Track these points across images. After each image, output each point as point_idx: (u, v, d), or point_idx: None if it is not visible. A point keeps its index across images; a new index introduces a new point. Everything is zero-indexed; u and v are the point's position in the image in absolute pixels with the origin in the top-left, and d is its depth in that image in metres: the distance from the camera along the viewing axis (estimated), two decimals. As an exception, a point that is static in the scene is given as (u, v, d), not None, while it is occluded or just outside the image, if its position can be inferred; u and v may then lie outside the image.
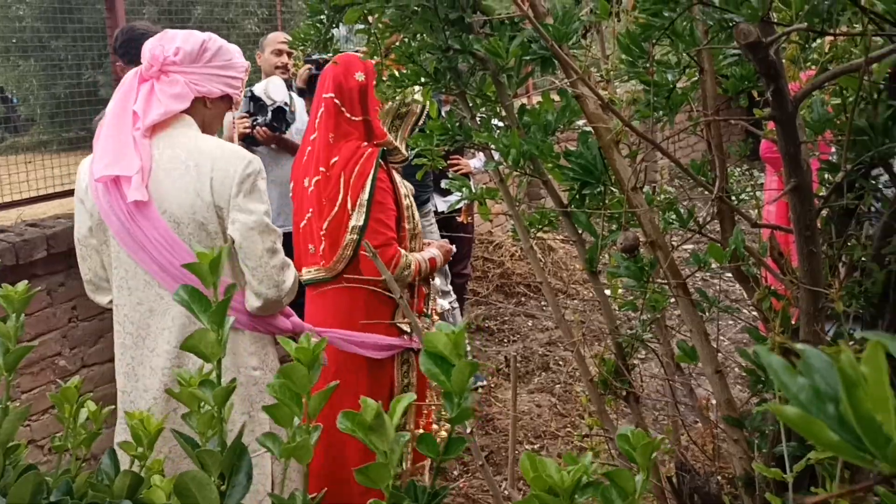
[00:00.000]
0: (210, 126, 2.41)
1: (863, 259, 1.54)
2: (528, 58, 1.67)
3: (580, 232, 1.78)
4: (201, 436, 1.05)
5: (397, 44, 1.74)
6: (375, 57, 2.03)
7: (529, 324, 6.29)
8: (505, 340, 6.08)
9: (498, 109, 1.78)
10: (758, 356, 1.71)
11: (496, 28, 1.69)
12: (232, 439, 1.01)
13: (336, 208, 2.72)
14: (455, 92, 1.76)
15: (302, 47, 2.15)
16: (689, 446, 1.87)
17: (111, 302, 2.39)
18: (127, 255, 2.25)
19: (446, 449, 1.02)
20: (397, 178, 2.84)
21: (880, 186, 1.71)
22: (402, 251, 2.78)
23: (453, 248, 3.06)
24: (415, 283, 2.86)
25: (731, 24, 1.28)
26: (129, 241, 2.21)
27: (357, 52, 2.98)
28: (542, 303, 6.43)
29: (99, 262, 2.37)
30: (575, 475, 0.95)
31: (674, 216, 1.69)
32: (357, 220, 2.70)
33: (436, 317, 2.97)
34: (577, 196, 1.72)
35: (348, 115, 2.76)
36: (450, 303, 4.78)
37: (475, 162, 5.10)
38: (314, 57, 4.05)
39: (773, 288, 1.59)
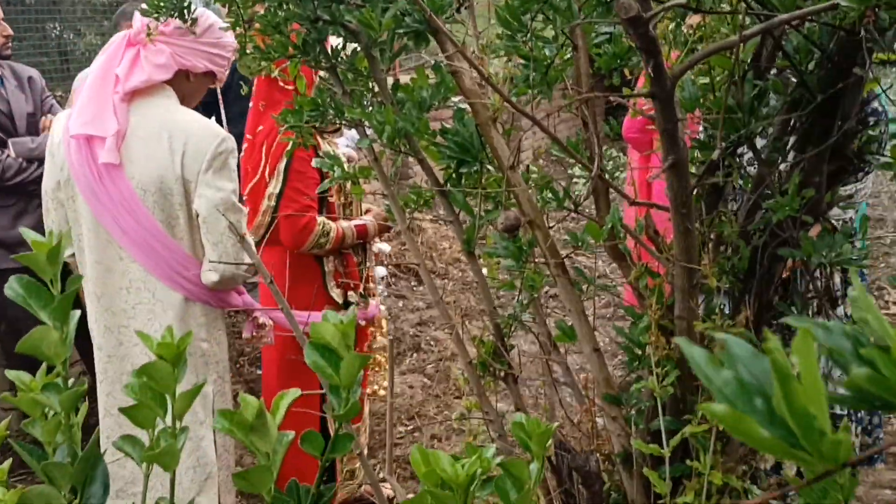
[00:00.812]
0: (189, 99, 2.45)
1: (730, 236, 1.57)
2: (401, 31, 1.60)
3: (457, 212, 1.74)
4: (47, 445, 0.93)
5: (261, 13, 1.63)
6: (237, 28, 1.91)
7: (400, 304, 6.26)
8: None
9: (371, 85, 1.71)
10: (683, 348, 1.73)
11: (367, -1, 1.61)
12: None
13: (257, 176, 2.78)
14: (325, 66, 1.67)
15: (156, 16, 2.00)
16: (566, 425, 1.88)
17: (73, 256, 2.45)
18: (91, 214, 2.31)
19: (332, 446, 0.95)
20: (330, 148, 2.83)
21: (744, 164, 1.76)
22: (322, 219, 2.80)
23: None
24: (342, 251, 2.90)
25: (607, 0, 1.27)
26: (95, 200, 2.28)
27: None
28: (413, 283, 6.42)
29: (63, 216, 2.40)
30: (471, 469, 0.91)
31: (550, 195, 1.67)
32: (274, 187, 2.74)
33: (372, 285, 2.94)
34: (454, 175, 1.68)
35: (281, 84, 2.73)
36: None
37: (342, 141, 4.99)
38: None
39: (647, 265, 1.61)
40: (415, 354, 5.24)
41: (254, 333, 2.60)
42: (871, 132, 1.60)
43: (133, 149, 2.26)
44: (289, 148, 2.59)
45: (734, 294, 1.64)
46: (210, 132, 2.31)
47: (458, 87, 1.57)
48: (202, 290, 2.37)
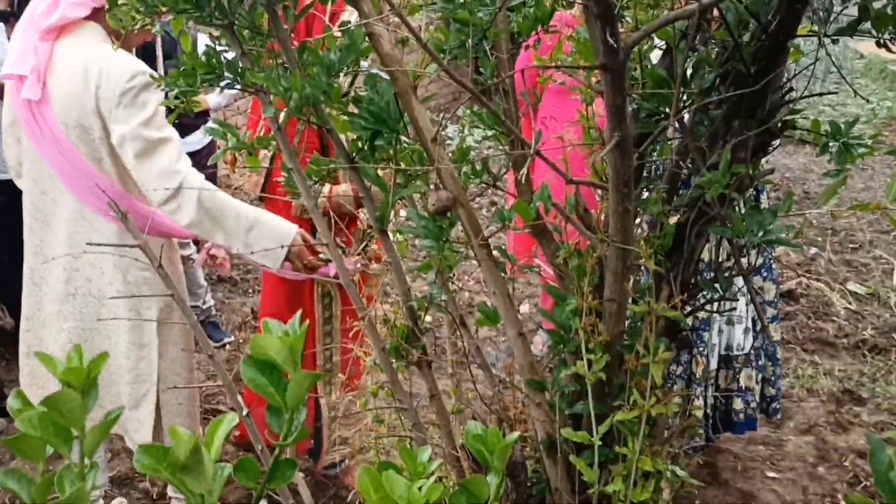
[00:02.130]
0: (124, 41, 2.35)
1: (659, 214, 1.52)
2: (308, -14, 1.43)
3: (368, 186, 1.60)
4: None
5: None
6: (107, -24, 1.69)
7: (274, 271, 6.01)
8: (250, 291, 5.77)
9: (271, 44, 1.54)
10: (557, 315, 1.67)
11: (269, -52, 1.43)
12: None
13: (256, 135, 2.67)
14: (221, 23, 1.48)
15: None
16: (480, 412, 1.80)
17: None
18: (31, 148, 2.42)
19: (270, 475, 0.82)
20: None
21: (668, 137, 1.70)
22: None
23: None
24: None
25: (553, -41, 1.15)
26: (32, 135, 2.39)
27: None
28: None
29: (21, 151, 2.53)
30: (430, 496, 0.80)
31: (469, 169, 1.56)
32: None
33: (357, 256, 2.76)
34: (366, 147, 1.54)
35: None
36: (189, 255, 4.42)
37: (214, 97, 4.67)
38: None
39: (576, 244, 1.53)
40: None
41: (207, 262, 2.76)
42: (794, 106, 1.58)
43: (56, 85, 2.32)
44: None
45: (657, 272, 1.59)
46: (123, 67, 2.28)
47: (373, 50, 1.43)
48: (135, 218, 2.29)
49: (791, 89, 1.58)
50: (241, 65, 1.53)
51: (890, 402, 3.99)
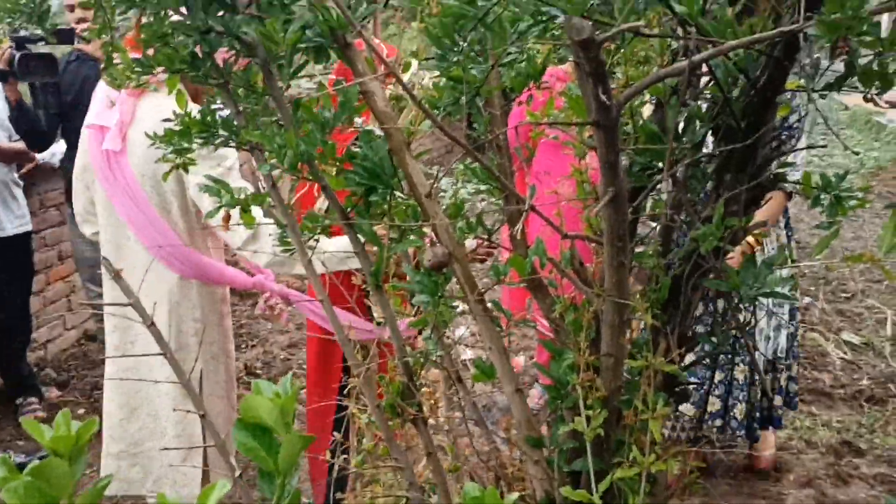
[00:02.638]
0: (198, 96, 2.59)
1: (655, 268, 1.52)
2: (302, 45, 1.45)
3: (363, 242, 1.60)
4: None
5: (143, 21, 1.43)
6: (104, 35, 1.70)
7: (269, 326, 5.99)
8: (243, 346, 5.73)
9: (267, 102, 1.55)
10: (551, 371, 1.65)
11: (265, 8, 1.45)
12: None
13: (305, 188, 2.80)
14: (216, 82, 1.49)
15: (10, 20, 1.75)
16: (477, 468, 1.77)
17: (96, 234, 2.80)
18: (104, 196, 2.64)
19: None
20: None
21: (660, 189, 1.71)
22: None
23: None
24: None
25: (545, 18, 1.17)
26: (106, 184, 2.59)
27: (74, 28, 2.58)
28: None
29: (88, 198, 2.78)
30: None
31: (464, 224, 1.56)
32: (321, 204, 2.71)
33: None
34: (361, 202, 1.54)
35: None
36: None
37: (46, 155, 4.60)
38: (21, 34, 3.46)
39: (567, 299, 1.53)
40: (287, 380, 5.00)
41: (265, 311, 2.84)
42: (785, 160, 1.59)
43: (137, 138, 2.48)
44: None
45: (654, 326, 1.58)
46: None
47: (367, 108, 1.44)
48: (196, 269, 2.64)
49: (781, 143, 1.59)
50: (236, 122, 1.54)
51: (889, 453, 3.96)
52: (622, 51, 1.42)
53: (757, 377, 3.37)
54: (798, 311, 3.53)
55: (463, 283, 1.46)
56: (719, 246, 1.45)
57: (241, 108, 1.53)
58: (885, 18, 1.10)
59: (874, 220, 8.20)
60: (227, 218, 2.65)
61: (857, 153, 10.16)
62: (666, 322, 1.57)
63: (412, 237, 1.63)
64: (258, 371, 5.30)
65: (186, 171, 1.74)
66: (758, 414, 3.49)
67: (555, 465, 1.54)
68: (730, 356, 3.26)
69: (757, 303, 3.01)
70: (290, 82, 1.55)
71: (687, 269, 1.54)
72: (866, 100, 1.29)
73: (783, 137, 3.14)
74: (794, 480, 3.69)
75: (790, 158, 3.08)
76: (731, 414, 3.41)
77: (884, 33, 1.08)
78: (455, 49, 1.12)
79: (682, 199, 1.55)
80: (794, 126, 3.13)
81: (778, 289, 1.43)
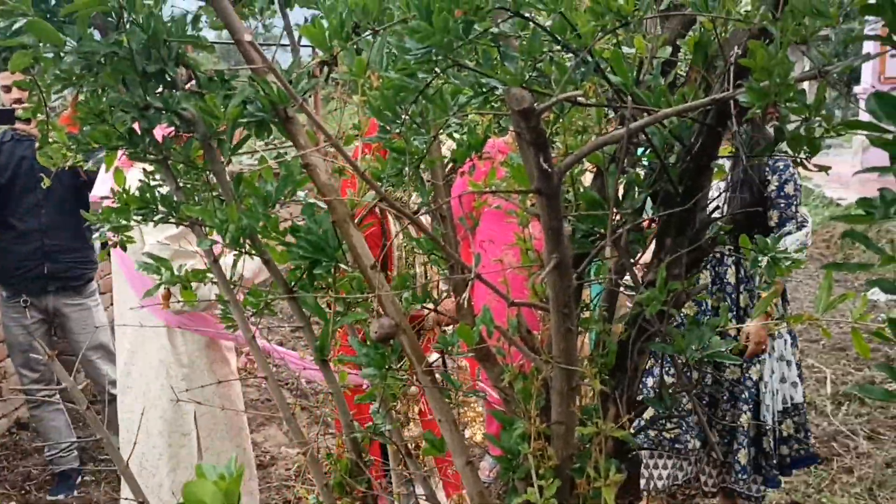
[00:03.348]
0: None
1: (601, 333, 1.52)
2: (243, 120, 1.44)
3: (308, 315, 1.57)
4: None
5: (81, 99, 1.42)
6: (39, 115, 1.68)
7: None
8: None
9: (207, 177, 1.53)
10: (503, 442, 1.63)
11: (204, 84, 1.45)
12: None
13: None
14: (154, 158, 1.48)
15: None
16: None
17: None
18: (116, 260, 2.92)
19: None
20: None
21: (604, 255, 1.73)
22: None
23: None
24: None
25: (485, 90, 1.19)
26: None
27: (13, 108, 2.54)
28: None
29: None
30: None
31: (409, 295, 1.55)
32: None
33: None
34: (305, 276, 1.52)
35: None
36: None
37: None
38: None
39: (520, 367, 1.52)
40: (230, 462, 4.84)
41: (246, 365, 3.12)
42: (721, 224, 1.63)
43: None
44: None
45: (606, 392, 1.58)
46: None
47: (310, 181, 1.43)
48: (178, 320, 2.82)
49: (717, 207, 1.64)
50: (175, 198, 1.51)
51: (837, 512, 3.98)
52: (561, 120, 1.45)
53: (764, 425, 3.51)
54: (799, 365, 3.65)
55: (410, 354, 1.45)
56: (663, 309, 1.47)
57: (180, 184, 1.51)
58: (808, 86, 1.15)
59: (808, 281, 8.44)
60: (167, 296, 2.61)
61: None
62: (614, 387, 1.57)
63: (358, 310, 1.62)
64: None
65: (125, 249, 1.71)
66: (774, 461, 3.57)
67: (510, 539, 1.50)
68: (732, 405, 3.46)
69: (761, 358, 3.13)
70: (232, 157, 1.54)
71: (633, 334, 1.55)
72: (795, 164, 1.34)
73: (782, 206, 3.27)
74: (747, 544, 3.68)
75: (791, 227, 3.24)
76: (736, 458, 3.51)
77: (808, 100, 1.13)
78: (397, 121, 1.13)
79: (625, 264, 1.57)
80: (792, 195, 3.27)
81: (721, 350, 1.45)
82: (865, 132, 0.68)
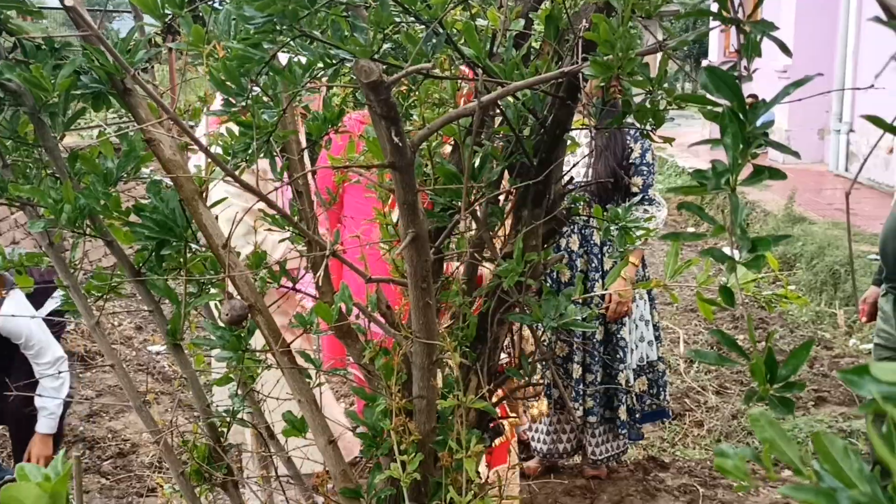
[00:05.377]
0: None
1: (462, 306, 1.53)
2: (77, 92, 1.35)
3: (158, 299, 1.50)
4: None
5: None
6: None
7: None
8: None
9: (39, 154, 1.42)
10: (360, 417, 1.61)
11: (31, 54, 1.34)
12: None
13: None
14: (-22, 133, 1.36)
15: None
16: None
17: None
18: None
19: None
20: None
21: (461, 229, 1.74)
22: None
23: None
24: None
25: (335, 61, 1.16)
26: None
27: None
28: (79, 369, 5.70)
29: None
30: None
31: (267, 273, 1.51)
32: None
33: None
34: (153, 257, 1.44)
35: None
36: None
37: None
38: None
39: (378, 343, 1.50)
40: (88, 452, 4.62)
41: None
42: (575, 195, 1.66)
43: None
44: None
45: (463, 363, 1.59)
46: None
47: (155, 157, 1.36)
48: None
49: (571, 179, 1.67)
50: (2, 177, 1.40)
51: (689, 464, 4.22)
52: (417, 93, 1.43)
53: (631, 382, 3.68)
54: (658, 326, 3.90)
55: (267, 335, 1.40)
56: (521, 280, 1.49)
57: (8, 161, 1.40)
58: (654, 60, 1.18)
59: (663, 247, 8.86)
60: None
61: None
62: (475, 359, 1.58)
63: (213, 291, 1.55)
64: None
65: None
66: (638, 415, 3.78)
67: (374, 515, 1.49)
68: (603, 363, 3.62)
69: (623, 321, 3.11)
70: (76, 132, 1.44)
71: (492, 305, 1.57)
72: (642, 134, 1.38)
73: (644, 173, 3.39)
74: (607, 500, 3.84)
75: (651, 195, 3.38)
76: (616, 414, 3.70)
77: (652, 74, 1.16)
78: (242, 94, 1.08)
79: (483, 236, 1.58)
80: (651, 163, 3.39)
81: (577, 318, 1.49)
82: (698, 104, 0.70)
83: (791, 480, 0.44)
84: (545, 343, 1.63)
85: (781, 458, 0.44)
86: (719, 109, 0.67)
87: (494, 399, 1.61)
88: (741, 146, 0.67)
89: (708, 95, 0.72)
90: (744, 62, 0.74)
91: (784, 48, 0.79)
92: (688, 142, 1.38)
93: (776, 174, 0.68)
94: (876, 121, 0.55)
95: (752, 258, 0.66)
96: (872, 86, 0.95)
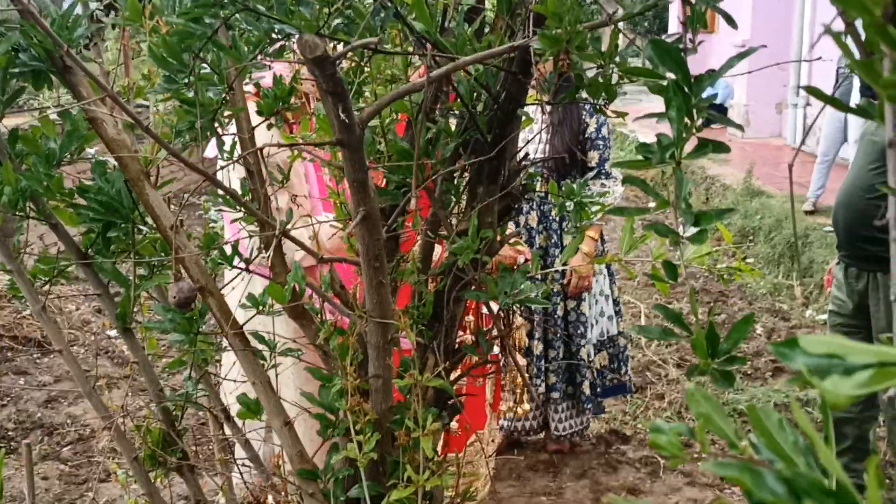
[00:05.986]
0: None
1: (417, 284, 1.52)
2: (15, 70, 1.30)
3: (106, 282, 1.46)
4: None
5: None
6: None
7: (21, 381, 5.42)
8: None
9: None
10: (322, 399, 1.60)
11: (-35, 30, 1.29)
12: None
13: None
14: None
15: None
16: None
17: None
18: None
19: None
20: None
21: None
22: None
23: None
24: None
25: (281, 36, 1.13)
26: None
27: None
28: (36, 355, 5.61)
29: None
30: None
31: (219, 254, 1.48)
32: None
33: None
34: (100, 240, 1.41)
35: None
36: None
37: None
38: None
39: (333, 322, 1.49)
40: (46, 438, 4.55)
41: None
42: (531, 171, 1.66)
43: None
44: None
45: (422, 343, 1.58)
46: None
47: (98, 136, 1.32)
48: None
49: (527, 155, 1.66)
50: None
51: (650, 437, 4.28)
52: (368, 69, 1.41)
53: (592, 356, 3.74)
54: (618, 301, 3.94)
55: (218, 317, 1.38)
56: (476, 258, 1.48)
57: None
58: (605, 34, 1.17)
59: (622, 222, 8.92)
60: None
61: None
62: (432, 337, 1.57)
63: (165, 273, 1.53)
64: (10, 433, 4.79)
65: None
66: (599, 389, 3.84)
67: (331, 496, 1.49)
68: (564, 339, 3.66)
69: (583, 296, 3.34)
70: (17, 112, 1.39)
71: (448, 283, 1.56)
72: (596, 110, 1.37)
73: (601, 146, 3.39)
74: (570, 474, 3.89)
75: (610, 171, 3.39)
76: (581, 389, 3.73)
77: (604, 48, 1.15)
78: (184, 70, 1.05)
79: (438, 213, 1.57)
80: (608, 137, 3.40)
81: (532, 295, 1.48)
82: (644, 77, 0.69)
83: (728, 456, 0.44)
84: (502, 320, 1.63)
85: (717, 432, 0.44)
86: (664, 82, 0.66)
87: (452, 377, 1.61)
88: (686, 119, 0.67)
89: (654, 69, 0.71)
90: (689, 35, 0.73)
91: (729, 20, 0.78)
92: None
93: (720, 147, 0.67)
94: (816, 92, 0.55)
95: (697, 232, 0.66)
96: (820, 58, 0.95)
